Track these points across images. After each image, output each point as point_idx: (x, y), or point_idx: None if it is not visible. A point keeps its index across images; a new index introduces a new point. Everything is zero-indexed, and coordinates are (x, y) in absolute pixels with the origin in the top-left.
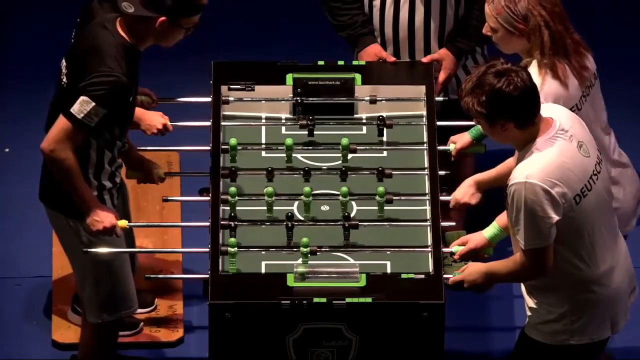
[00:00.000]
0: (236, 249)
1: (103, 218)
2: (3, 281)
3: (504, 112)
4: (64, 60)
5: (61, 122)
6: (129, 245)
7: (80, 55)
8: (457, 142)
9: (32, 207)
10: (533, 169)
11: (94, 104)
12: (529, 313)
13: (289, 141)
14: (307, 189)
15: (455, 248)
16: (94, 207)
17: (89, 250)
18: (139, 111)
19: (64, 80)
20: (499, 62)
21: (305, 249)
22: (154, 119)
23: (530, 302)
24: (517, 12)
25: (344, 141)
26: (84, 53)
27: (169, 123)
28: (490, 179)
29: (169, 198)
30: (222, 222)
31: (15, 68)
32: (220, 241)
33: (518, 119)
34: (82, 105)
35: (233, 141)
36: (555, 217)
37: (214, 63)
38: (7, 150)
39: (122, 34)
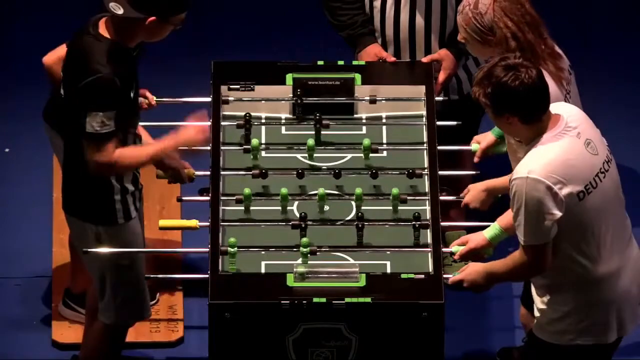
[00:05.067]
0: (236, 249)
1: (173, 155)
2: (3, 281)
3: (507, 106)
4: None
5: (90, 145)
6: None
7: (70, 64)
8: (482, 142)
9: (32, 207)
10: (535, 165)
11: (100, 113)
12: (537, 314)
13: (310, 142)
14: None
15: (455, 248)
16: (161, 151)
17: (89, 250)
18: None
19: (62, 90)
20: (512, 56)
21: (305, 249)
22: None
23: (537, 301)
24: (483, 23)
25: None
26: (72, 62)
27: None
28: (503, 185)
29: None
30: (222, 223)
31: (16, 68)
32: (220, 241)
33: (522, 114)
34: (93, 121)
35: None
36: (557, 214)
37: (214, 63)
38: (7, 150)
39: (107, 35)
